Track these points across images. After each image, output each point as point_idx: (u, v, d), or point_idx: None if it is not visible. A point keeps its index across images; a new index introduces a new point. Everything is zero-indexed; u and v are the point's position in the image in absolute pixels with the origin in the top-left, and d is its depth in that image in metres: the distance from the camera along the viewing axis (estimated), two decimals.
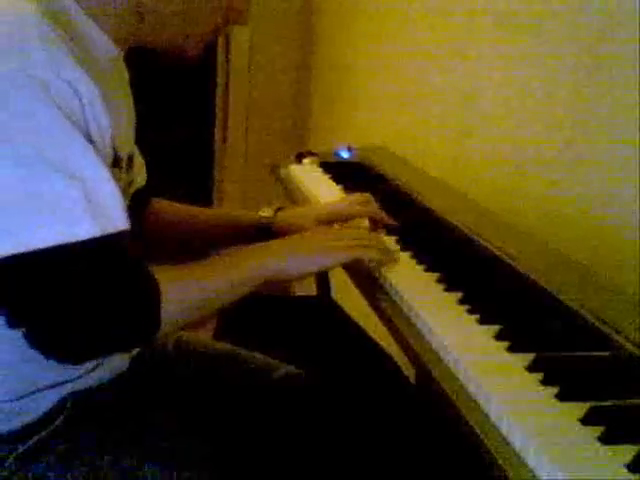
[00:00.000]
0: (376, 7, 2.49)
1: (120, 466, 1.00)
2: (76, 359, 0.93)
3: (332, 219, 1.30)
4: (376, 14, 2.49)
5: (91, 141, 0.91)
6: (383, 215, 1.30)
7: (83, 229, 0.86)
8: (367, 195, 1.33)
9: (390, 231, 1.27)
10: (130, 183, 1.16)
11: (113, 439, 1.03)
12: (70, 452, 1.00)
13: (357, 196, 1.35)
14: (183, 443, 1.06)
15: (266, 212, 1.34)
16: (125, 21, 1.03)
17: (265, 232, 1.32)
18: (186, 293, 0.96)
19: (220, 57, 3.54)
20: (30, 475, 0.98)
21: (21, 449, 0.99)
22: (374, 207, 1.31)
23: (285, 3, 3.46)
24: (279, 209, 1.35)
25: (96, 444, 1.02)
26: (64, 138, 0.87)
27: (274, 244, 1.08)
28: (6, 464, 0.99)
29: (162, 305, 0.91)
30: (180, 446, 1.05)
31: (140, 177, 1.24)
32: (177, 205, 1.39)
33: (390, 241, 1.22)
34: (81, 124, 0.90)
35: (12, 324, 0.89)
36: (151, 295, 0.91)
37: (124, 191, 1.09)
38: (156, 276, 0.92)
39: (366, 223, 1.29)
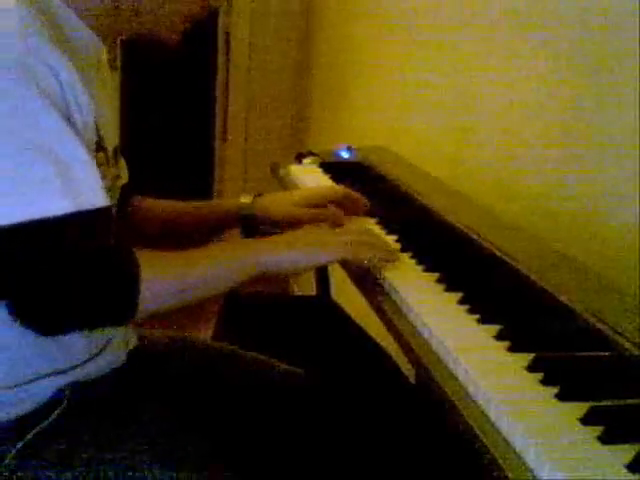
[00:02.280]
0: (376, 7, 2.49)
1: (118, 463, 1.00)
2: (52, 329, 0.94)
3: (308, 202, 1.34)
4: (376, 14, 2.49)
5: (72, 123, 0.93)
6: (357, 195, 1.35)
7: (58, 205, 0.89)
8: (346, 189, 1.38)
9: (391, 231, 1.27)
10: (117, 177, 1.17)
11: (111, 435, 1.03)
12: (69, 448, 1.00)
13: (337, 187, 1.42)
14: (182, 441, 1.06)
15: (245, 199, 1.37)
16: (102, 13, 1.05)
17: (245, 218, 1.36)
18: (169, 275, 0.98)
19: (220, 56, 3.54)
20: (30, 473, 0.98)
21: (20, 445, 0.99)
22: (348, 191, 1.36)
23: (285, 3, 3.46)
24: (257, 195, 1.38)
25: (94, 440, 1.02)
26: (42, 117, 0.90)
27: (270, 238, 1.10)
28: (5, 461, 0.99)
29: (141, 283, 0.93)
30: (179, 444, 1.05)
31: (123, 173, 1.25)
32: (161, 202, 1.40)
33: (390, 241, 1.22)
34: (61, 106, 0.92)
35: None
36: (129, 271, 0.93)
37: (112, 184, 1.11)
38: (138, 255, 0.94)
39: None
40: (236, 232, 1.42)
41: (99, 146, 1.02)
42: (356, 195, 1.36)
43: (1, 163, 0.88)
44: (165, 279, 0.97)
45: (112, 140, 1.11)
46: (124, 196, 1.24)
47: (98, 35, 1.07)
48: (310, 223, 1.29)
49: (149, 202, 1.37)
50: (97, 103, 1.00)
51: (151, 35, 1.11)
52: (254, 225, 1.35)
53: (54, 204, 0.89)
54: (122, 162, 1.24)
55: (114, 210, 1.11)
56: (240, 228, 1.37)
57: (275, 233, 1.25)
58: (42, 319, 0.92)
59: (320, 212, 1.32)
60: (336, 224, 1.28)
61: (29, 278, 0.89)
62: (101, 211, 0.93)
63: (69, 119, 0.93)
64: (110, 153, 1.09)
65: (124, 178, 1.24)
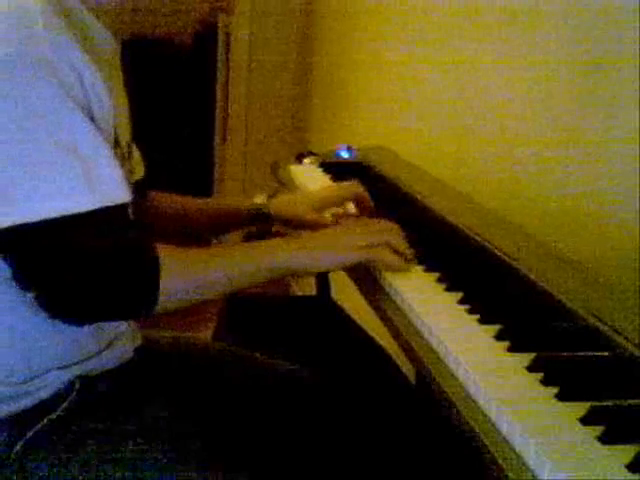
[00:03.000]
0: (376, 7, 2.49)
1: (122, 459, 1.01)
2: (77, 319, 0.98)
3: (326, 205, 1.35)
4: (376, 14, 2.49)
5: (94, 120, 0.96)
6: (367, 196, 1.35)
7: (82, 202, 0.92)
8: (355, 182, 1.39)
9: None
10: (130, 172, 1.18)
11: (116, 431, 1.04)
12: (75, 442, 1.02)
13: (346, 183, 1.42)
14: (185, 440, 1.06)
15: (259, 199, 1.37)
16: (118, 13, 1.07)
17: (260, 218, 1.37)
18: (190, 271, 1.00)
19: (221, 57, 3.54)
20: (37, 464, 0.99)
21: (29, 436, 1.01)
22: (361, 189, 1.36)
23: (285, 3, 3.46)
24: (271, 196, 1.39)
25: (99, 436, 1.03)
26: (65, 115, 0.92)
27: (296, 238, 1.10)
28: (14, 453, 1.00)
29: (162, 276, 0.95)
30: (182, 443, 1.06)
31: (139, 168, 1.28)
32: (172, 196, 1.41)
33: None
34: (84, 104, 0.95)
35: (23, 287, 0.96)
36: (149, 265, 0.96)
37: (126, 178, 1.11)
38: (160, 249, 0.97)
39: (352, 206, 1.35)
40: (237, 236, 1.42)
41: (115, 142, 1.05)
42: (366, 195, 1.36)
43: (28, 160, 0.91)
44: (186, 273, 1.00)
45: (125, 136, 1.13)
46: (141, 191, 1.25)
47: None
48: (322, 228, 1.29)
49: (160, 196, 1.39)
50: (115, 101, 1.03)
51: (164, 37, 1.13)
52: (267, 225, 1.36)
53: (79, 200, 0.92)
54: (137, 155, 1.26)
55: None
56: (251, 228, 1.39)
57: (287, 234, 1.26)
58: (68, 310, 0.96)
59: (333, 220, 1.32)
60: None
61: (55, 272, 0.93)
62: (124, 205, 0.97)
63: (91, 116, 0.96)
64: (124, 149, 1.11)
65: (139, 172, 1.26)
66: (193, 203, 1.42)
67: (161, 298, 0.96)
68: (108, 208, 0.94)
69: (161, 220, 1.37)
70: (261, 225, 1.37)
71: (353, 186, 1.37)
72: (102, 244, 0.94)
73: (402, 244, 1.08)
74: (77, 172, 0.92)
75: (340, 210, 1.37)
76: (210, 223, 1.43)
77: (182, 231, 1.42)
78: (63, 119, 0.93)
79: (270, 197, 1.38)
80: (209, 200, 1.44)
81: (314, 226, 1.30)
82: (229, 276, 1.03)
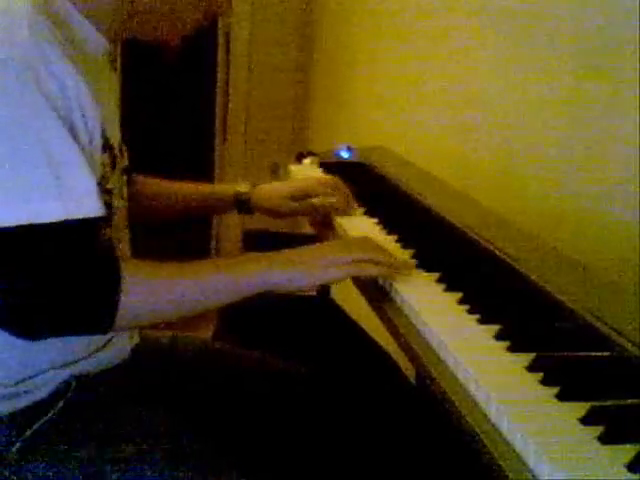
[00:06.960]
0: (376, 7, 2.49)
1: (120, 459, 1.01)
2: (29, 334, 0.95)
3: (303, 195, 1.41)
4: (376, 14, 2.49)
5: (73, 130, 0.94)
6: (345, 188, 1.41)
7: (50, 211, 0.89)
8: (336, 179, 1.44)
9: (391, 231, 1.27)
10: (125, 168, 1.19)
11: (114, 431, 1.04)
12: (72, 441, 1.01)
13: (328, 178, 1.48)
14: (183, 439, 1.06)
15: (243, 187, 1.43)
16: (113, 16, 1.06)
17: (242, 205, 1.43)
18: (154, 290, 0.97)
19: (220, 57, 3.54)
20: (35, 464, 0.99)
21: (26, 435, 1.00)
22: (343, 190, 1.41)
23: (285, 3, 3.46)
24: (254, 186, 1.44)
25: (97, 435, 1.03)
26: (44, 124, 0.91)
27: (276, 256, 1.06)
28: (12, 452, 1.00)
29: (121, 296, 0.92)
30: (180, 442, 1.06)
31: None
32: (154, 180, 1.42)
33: (391, 241, 1.22)
34: (64, 114, 0.93)
35: None
36: (109, 283, 0.93)
37: (121, 176, 1.13)
38: (125, 267, 0.94)
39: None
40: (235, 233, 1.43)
41: (104, 147, 1.03)
42: (344, 187, 1.41)
43: (3, 166, 0.89)
44: (150, 292, 0.97)
45: (116, 137, 1.12)
46: (128, 176, 1.25)
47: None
48: (301, 215, 1.45)
49: (147, 180, 1.40)
50: (104, 104, 1.02)
51: (152, 40, 1.13)
52: (247, 211, 1.43)
53: (47, 209, 0.89)
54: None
55: (124, 206, 1.14)
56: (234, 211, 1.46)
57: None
58: (20, 323, 0.93)
59: (310, 207, 1.40)
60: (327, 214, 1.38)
61: (11, 280, 0.90)
62: (94, 220, 0.94)
63: (72, 127, 0.94)
64: (116, 150, 1.10)
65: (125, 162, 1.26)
66: (179, 187, 1.44)
67: (121, 317, 0.93)
68: (76, 221, 0.91)
69: (148, 202, 1.38)
70: (241, 210, 1.44)
71: (333, 180, 1.43)
72: (65, 257, 0.91)
73: (386, 257, 1.06)
74: (47, 180, 0.90)
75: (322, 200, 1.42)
76: (196, 207, 1.46)
77: (161, 214, 1.44)
78: (43, 129, 0.91)
79: (253, 186, 1.43)
80: (195, 184, 1.46)
81: (290, 214, 1.41)
82: (199, 295, 1.00)
